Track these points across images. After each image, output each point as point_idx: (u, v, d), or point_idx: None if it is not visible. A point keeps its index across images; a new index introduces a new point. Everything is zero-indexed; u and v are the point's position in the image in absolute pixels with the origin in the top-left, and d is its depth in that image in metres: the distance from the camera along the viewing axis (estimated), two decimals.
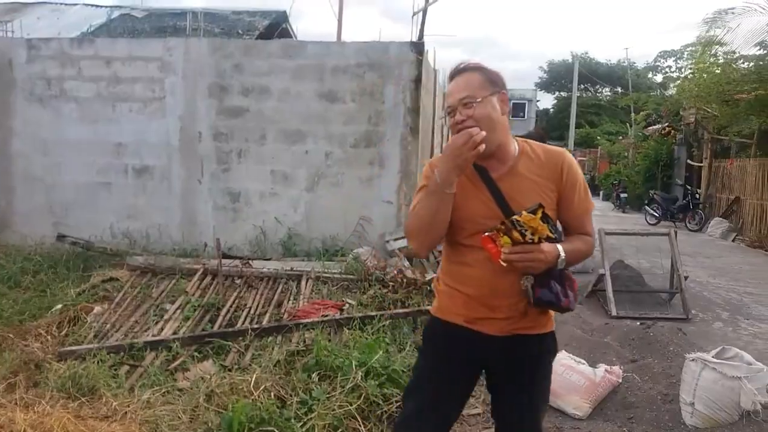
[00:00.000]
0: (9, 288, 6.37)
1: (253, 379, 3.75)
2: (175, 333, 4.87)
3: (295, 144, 7.99)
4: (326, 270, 6.34)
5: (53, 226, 8.06)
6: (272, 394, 3.64)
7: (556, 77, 47.50)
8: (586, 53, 46.76)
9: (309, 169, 7.97)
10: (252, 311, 5.38)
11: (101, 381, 4.02)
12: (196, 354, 4.54)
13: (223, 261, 6.18)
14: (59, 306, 5.54)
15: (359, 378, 3.67)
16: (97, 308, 5.26)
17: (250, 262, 6.62)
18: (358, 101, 7.83)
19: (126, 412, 3.67)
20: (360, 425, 3.39)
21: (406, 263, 6.65)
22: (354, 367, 3.78)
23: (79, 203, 8.22)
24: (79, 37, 11.41)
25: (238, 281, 6.01)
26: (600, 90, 46.34)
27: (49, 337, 4.86)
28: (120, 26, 15.85)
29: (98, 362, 4.28)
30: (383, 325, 4.85)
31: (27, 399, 3.75)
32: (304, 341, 4.59)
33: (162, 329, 4.96)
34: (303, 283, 5.98)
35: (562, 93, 47.99)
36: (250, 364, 4.25)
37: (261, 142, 8.06)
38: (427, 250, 2.10)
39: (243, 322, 5.12)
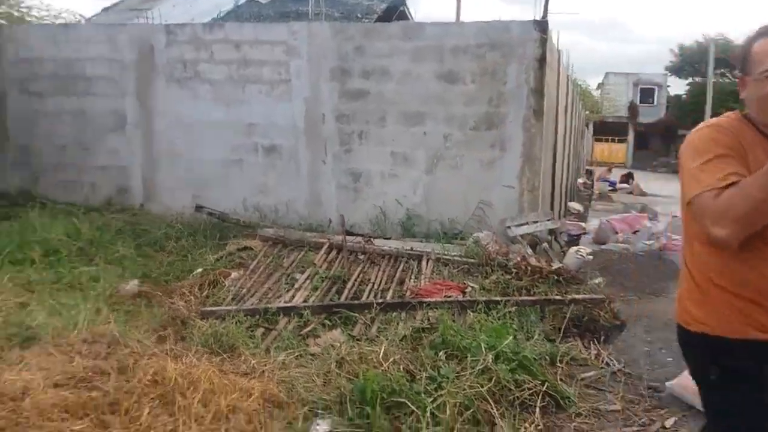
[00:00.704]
0: (155, 251, 6.94)
1: (382, 350, 3.84)
2: (305, 301, 5.10)
3: (415, 126, 8.02)
4: (446, 252, 6.36)
5: (192, 198, 8.66)
6: (401, 367, 3.71)
7: (688, 61, 44.17)
8: (722, 36, 43.15)
9: (428, 151, 7.98)
10: (375, 286, 5.52)
11: (240, 340, 4.30)
12: (326, 322, 4.73)
13: (347, 237, 6.37)
14: (200, 270, 5.97)
15: (489, 361, 3.65)
16: (234, 274, 5.62)
17: (372, 239, 6.77)
18: (478, 82, 7.72)
19: (263, 371, 3.91)
20: (492, 407, 3.37)
21: (529, 251, 6.52)
22: (483, 349, 3.77)
23: (215, 178, 8.77)
24: (210, 22, 12.09)
25: (361, 257, 6.18)
26: None
27: (192, 297, 5.25)
28: (246, 12, 16.69)
29: (236, 323, 4.58)
30: (509, 312, 4.79)
31: (176, 351, 4.10)
32: (428, 319, 4.64)
33: (293, 297, 5.21)
34: (423, 263, 6.04)
35: (695, 78, 44.54)
36: (377, 336, 4.37)
37: (381, 124, 8.17)
38: (739, 241, 1.65)
39: (367, 296, 5.27)
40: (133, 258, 6.54)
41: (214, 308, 4.91)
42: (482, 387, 3.45)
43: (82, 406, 3.23)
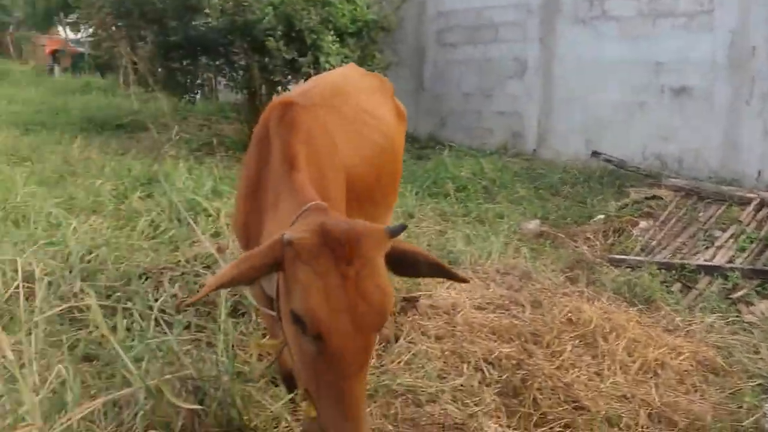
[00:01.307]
0: (551, 195, 6.99)
1: None
2: (729, 262, 4.42)
3: None
4: None
5: (585, 144, 8.42)
6: None
7: None
8: None
9: None
10: None
11: (657, 294, 3.96)
12: (759, 289, 4.02)
13: None
14: (601, 216, 5.74)
15: None
16: (643, 223, 5.23)
17: None
18: None
19: (688, 331, 3.52)
20: None
21: None
22: None
23: (612, 123, 8.31)
24: None
25: None
26: None
27: (597, 243, 5.08)
28: None
29: (649, 275, 4.24)
30: None
31: (587, 293, 4.00)
32: None
33: (713, 256, 4.57)
34: None
35: None
36: None
37: None
38: None
39: None
40: (531, 199, 6.68)
41: (623, 256, 4.65)
42: None
43: (507, 330, 3.38)
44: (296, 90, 3.20)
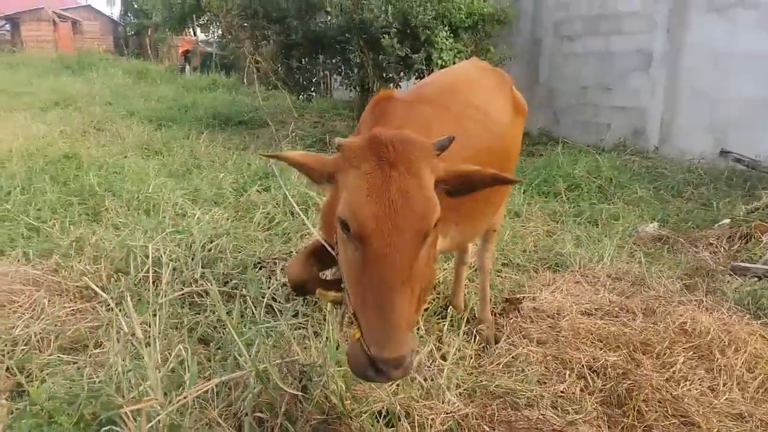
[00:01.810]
0: (672, 196, 6.58)
1: None
2: None
3: None
4: None
5: (714, 143, 7.84)
6: None
7: None
8: None
9: None
10: None
11: None
12: None
13: None
14: (726, 221, 5.33)
15: None
16: None
17: None
18: None
19: None
20: None
21: None
22: None
23: (745, 120, 7.65)
24: None
25: None
26: None
27: (720, 249, 4.73)
28: None
29: None
30: None
31: (706, 303, 3.74)
32: None
33: None
34: None
35: None
36: None
37: None
38: None
39: None
40: (650, 201, 6.33)
41: (748, 265, 4.29)
42: None
43: (615, 337, 3.25)
44: (414, 86, 3.29)
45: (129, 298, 2.33)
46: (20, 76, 16.08)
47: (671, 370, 2.94)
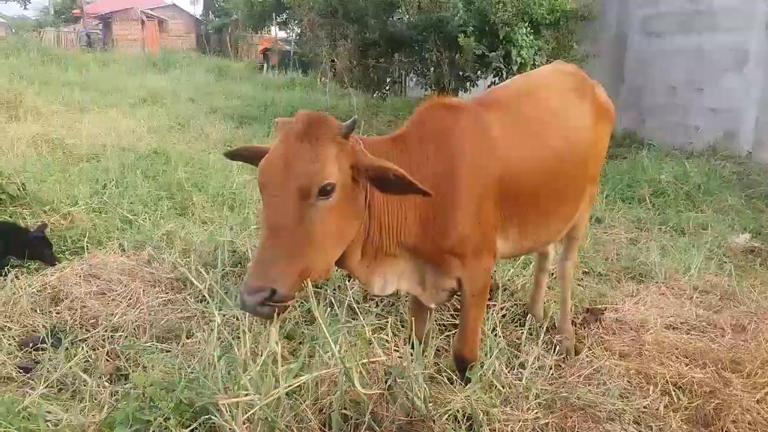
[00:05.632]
0: (765, 206, 6.25)
1: None
2: None
3: None
4: None
5: None
6: None
7: None
8: None
9: None
10: None
11: None
12: None
13: None
14: None
15: None
16: None
17: None
18: None
19: None
20: None
21: None
22: None
23: None
24: None
25: None
26: None
27: None
28: None
29: None
30: None
31: None
32: None
33: None
34: None
35: None
36: None
37: None
38: None
39: None
40: (741, 210, 6.01)
41: None
42: None
43: (702, 354, 3.13)
44: (490, 89, 3.33)
45: (220, 291, 2.44)
46: (111, 73, 16.99)
47: (763, 391, 2.80)
